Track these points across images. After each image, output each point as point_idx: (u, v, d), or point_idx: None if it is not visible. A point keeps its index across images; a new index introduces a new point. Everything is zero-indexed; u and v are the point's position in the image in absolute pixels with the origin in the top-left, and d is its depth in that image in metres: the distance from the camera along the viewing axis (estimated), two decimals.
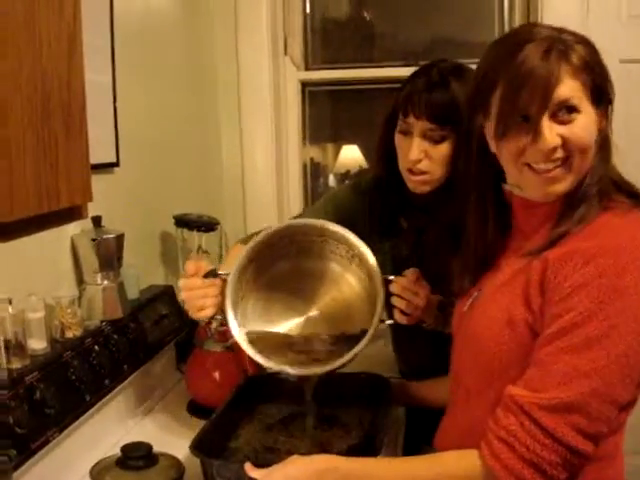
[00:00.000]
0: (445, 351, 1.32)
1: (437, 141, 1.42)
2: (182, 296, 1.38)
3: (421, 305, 1.39)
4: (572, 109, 1.04)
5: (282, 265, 1.38)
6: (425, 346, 1.53)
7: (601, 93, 1.07)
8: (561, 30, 1.07)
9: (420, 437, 1.39)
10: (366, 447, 1.30)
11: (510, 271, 1.14)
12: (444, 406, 1.33)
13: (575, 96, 1.04)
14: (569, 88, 1.03)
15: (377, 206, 1.63)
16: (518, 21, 2.68)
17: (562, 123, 1.04)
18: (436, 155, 1.43)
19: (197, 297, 1.35)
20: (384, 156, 1.56)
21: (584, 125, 1.05)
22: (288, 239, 1.38)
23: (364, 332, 1.29)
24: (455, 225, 1.50)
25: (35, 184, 1.34)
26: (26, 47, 1.31)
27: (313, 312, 1.35)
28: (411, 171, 1.46)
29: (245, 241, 1.59)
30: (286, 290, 1.38)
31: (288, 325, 1.37)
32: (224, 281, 1.35)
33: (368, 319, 1.30)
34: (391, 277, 1.38)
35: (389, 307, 1.40)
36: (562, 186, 1.07)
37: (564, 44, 1.04)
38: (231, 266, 1.37)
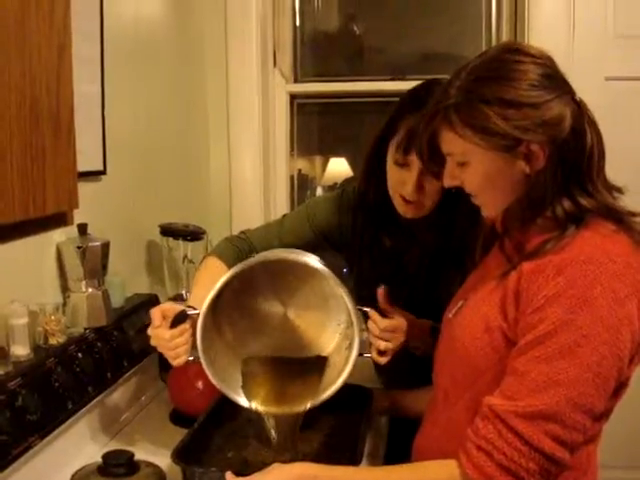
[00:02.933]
0: (429, 374, 1.31)
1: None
2: (153, 343, 1.33)
3: (399, 344, 1.37)
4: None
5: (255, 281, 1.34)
6: (408, 371, 1.50)
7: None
8: None
9: (405, 449, 1.36)
10: (347, 456, 1.30)
11: (493, 281, 1.15)
12: None
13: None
14: None
15: (360, 223, 1.59)
16: (505, 36, 2.71)
17: None
18: (432, 188, 1.39)
19: (168, 349, 1.31)
20: (372, 177, 1.52)
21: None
22: (261, 268, 1.33)
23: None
24: (438, 249, 1.50)
25: (21, 190, 1.35)
26: (16, 55, 1.32)
27: (290, 312, 1.35)
28: (404, 198, 1.42)
29: (218, 253, 1.56)
30: (261, 293, 1.35)
31: (266, 334, 1.37)
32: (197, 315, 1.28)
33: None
34: (367, 309, 1.35)
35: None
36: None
37: None
38: (204, 291, 1.29)
